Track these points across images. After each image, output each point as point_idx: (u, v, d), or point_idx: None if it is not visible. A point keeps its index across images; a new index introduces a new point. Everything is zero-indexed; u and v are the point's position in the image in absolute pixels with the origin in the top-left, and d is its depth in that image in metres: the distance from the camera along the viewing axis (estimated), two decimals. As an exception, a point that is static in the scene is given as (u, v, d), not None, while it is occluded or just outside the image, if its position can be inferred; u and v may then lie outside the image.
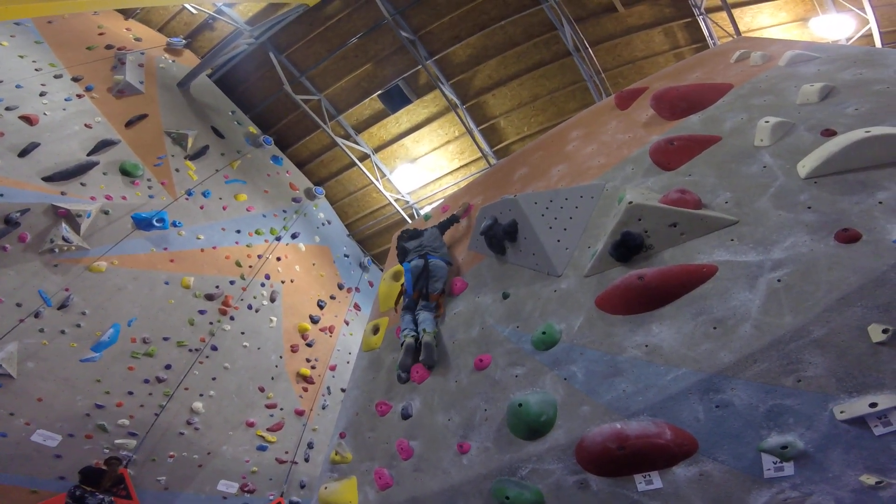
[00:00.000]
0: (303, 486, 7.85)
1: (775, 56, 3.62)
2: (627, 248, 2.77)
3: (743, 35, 7.79)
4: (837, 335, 1.93)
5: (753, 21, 8.15)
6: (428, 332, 3.69)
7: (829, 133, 2.60)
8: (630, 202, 2.80)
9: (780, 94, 3.14)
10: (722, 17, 8.03)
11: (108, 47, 8.33)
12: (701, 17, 8.18)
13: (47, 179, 6.20)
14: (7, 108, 6.23)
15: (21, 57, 6.92)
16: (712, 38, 8.30)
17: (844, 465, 1.81)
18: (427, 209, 8.85)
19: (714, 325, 2.27)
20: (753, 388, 2.03)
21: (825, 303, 2.01)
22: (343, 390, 8.57)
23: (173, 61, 9.45)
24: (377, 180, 11.02)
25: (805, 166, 2.50)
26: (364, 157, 10.94)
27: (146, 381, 6.47)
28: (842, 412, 1.84)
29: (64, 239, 5.99)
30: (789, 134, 2.78)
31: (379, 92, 9.97)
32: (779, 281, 2.20)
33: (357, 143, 10.76)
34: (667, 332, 2.41)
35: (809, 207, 2.35)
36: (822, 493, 1.83)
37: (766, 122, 2.86)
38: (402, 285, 4.21)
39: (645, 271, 2.61)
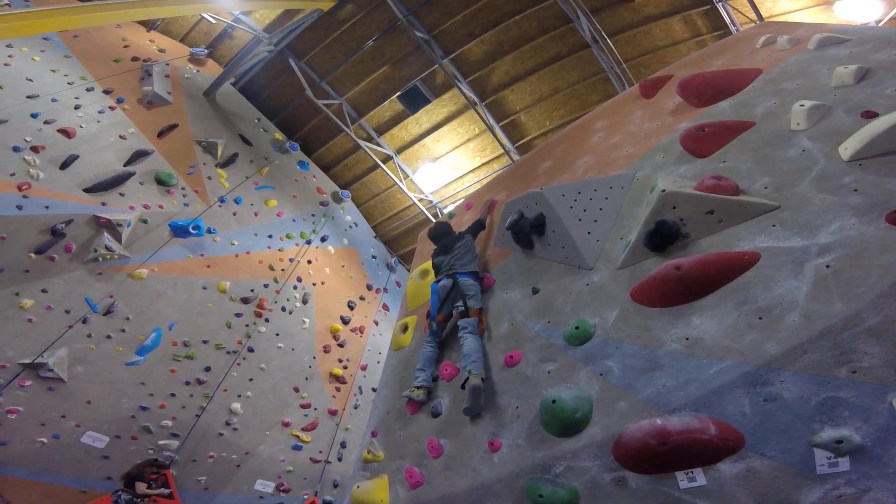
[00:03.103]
0: (336, 486, 7.97)
1: (803, 40, 3.52)
2: (662, 237, 2.69)
3: (766, 20, 7.52)
4: (894, 322, 1.82)
5: (775, 6, 7.83)
6: (474, 374, 3.11)
7: (870, 114, 2.51)
8: (663, 190, 2.72)
9: (812, 78, 3.05)
10: (741, 3, 7.76)
11: (135, 59, 8.61)
12: (720, 3, 7.93)
13: (88, 191, 6.47)
14: (46, 122, 6.51)
15: (53, 71, 7.21)
16: (734, 25, 8.02)
17: (905, 460, 1.71)
18: (450, 207, 8.85)
19: (759, 314, 2.18)
20: (804, 381, 1.94)
21: (879, 288, 1.90)
22: (374, 389, 8.66)
23: (197, 71, 9.74)
24: (400, 181, 11.10)
25: (847, 148, 2.41)
26: (387, 159, 11.02)
27: (187, 383, 6.69)
28: (902, 404, 1.74)
29: (106, 248, 6.25)
30: (826, 117, 2.69)
31: (398, 93, 10.02)
32: (827, 266, 2.10)
33: (379, 145, 10.85)
34: (708, 324, 2.33)
35: (855, 190, 2.26)
36: (880, 490, 1.73)
37: (802, 105, 2.77)
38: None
39: (682, 261, 2.53)
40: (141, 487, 4.99)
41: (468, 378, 3.12)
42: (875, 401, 1.79)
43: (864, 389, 1.82)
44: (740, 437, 2.01)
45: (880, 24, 7.06)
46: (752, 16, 7.70)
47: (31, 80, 6.80)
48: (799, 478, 1.87)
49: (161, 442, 6.22)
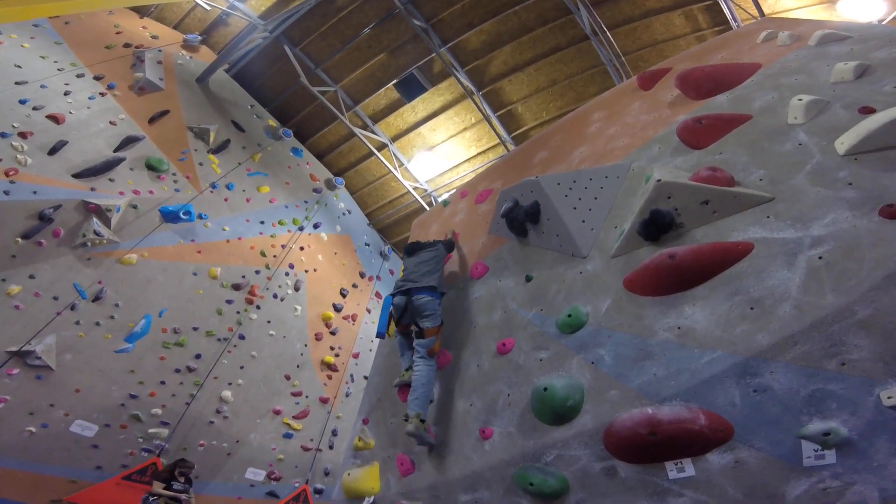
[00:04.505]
0: (327, 474, 8.01)
1: (804, 36, 3.51)
2: (657, 226, 2.68)
3: (767, 16, 7.49)
4: (884, 316, 1.83)
5: (777, 3, 7.80)
6: (411, 418, 3.01)
7: (868, 110, 2.51)
8: (659, 180, 2.71)
9: (811, 74, 3.04)
10: (744, -1, 7.71)
11: (127, 46, 8.45)
12: (722, -2, 7.88)
13: (77, 176, 6.37)
14: (34, 108, 6.39)
15: (43, 58, 7.05)
16: (735, 21, 7.98)
17: (890, 454, 1.72)
18: (445, 196, 8.82)
19: (751, 305, 2.19)
20: (794, 372, 1.95)
21: (870, 281, 1.91)
22: (366, 377, 8.68)
23: (190, 58, 9.57)
24: (395, 169, 11.02)
25: (843, 143, 2.41)
26: (382, 147, 10.93)
27: (177, 371, 6.66)
28: (889, 398, 1.75)
29: (95, 233, 6.16)
30: (824, 112, 2.69)
31: (394, 81, 9.91)
32: (819, 258, 2.10)
33: (374, 133, 10.75)
34: (700, 314, 2.33)
35: (850, 184, 2.26)
36: (865, 483, 1.74)
37: (800, 99, 2.77)
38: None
39: (676, 250, 2.53)
40: (158, 486, 5.02)
41: (408, 422, 3.03)
42: (863, 394, 1.80)
43: (852, 382, 1.83)
44: (730, 428, 2.02)
45: (883, 23, 7.06)
46: (754, 12, 7.66)
47: (19, 66, 6.64)
48: (786, 470, 1.88)
49: (151, 430, 6.19)
